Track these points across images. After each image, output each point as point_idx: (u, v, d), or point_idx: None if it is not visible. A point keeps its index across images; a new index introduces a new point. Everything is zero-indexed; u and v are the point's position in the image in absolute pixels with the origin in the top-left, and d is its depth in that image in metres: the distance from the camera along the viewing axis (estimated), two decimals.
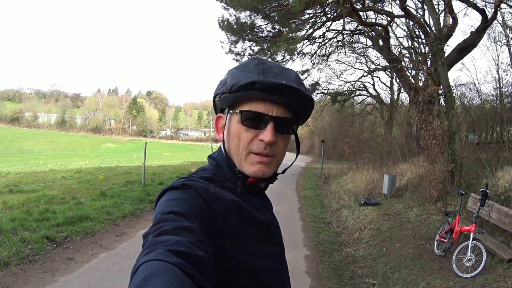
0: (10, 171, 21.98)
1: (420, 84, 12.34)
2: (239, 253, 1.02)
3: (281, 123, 1.10)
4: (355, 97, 32.06)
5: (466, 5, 13.30)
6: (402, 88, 23.01)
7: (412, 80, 15.13)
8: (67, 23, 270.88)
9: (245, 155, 1.11)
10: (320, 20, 17.80)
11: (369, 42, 22.51)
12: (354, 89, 28.92)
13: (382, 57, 21.62)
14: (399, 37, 21.42)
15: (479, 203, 6.48)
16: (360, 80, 28.49)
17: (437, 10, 12.69)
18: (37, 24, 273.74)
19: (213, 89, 1.20)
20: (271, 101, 1.08)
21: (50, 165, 27.26)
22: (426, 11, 13.68)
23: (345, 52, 25.05)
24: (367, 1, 16.94)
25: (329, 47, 22.22)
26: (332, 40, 21.34)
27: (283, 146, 1.15)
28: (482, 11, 13.28)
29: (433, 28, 11.73)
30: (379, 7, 17.15)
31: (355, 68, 28.34)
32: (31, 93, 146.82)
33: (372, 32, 19.06)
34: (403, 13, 14.62)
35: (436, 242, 7.18)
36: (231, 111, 1.12)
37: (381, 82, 43.92)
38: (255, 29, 17.37)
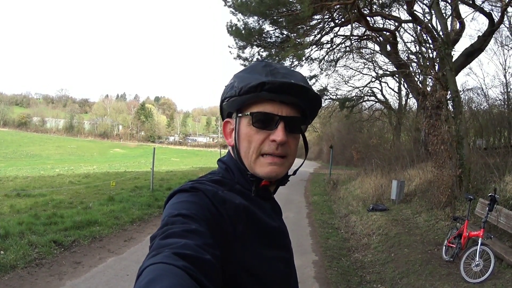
0: (18, 175, 22.13)
1: (428, 89, 12.32)
2: (246, 257, 1.01)
3: (291, 122, 1.11)
4: (363, 103, 32.15)
5: (473, 10, 13.34)
6: (410, 94, 23.13)
7: (420, 85, 15.07)
8: (75, 28, 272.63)
9: (255, 157, 1.11)
10: (328, 25, 17.85)
11: (377, 48, 22.60)
12: (362, 95, 28.97)
13: (390, 62, 21.67)
14: (407, 42, 21.28)
15: (487, 208, 6.44)
16: (368, 85, 28.57)
17: (444, 14, 12.73)
18: (46, 29, 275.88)
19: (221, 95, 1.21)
20: (280, 101, 1.09)
21: (58, 170, 27.46)
22: (434, 16, 13.62)
23: (353, 57, 25.10)
24: (375, 6, 16.99)
25: (337, 53, 22.34)
26: (340, 45, 21.43)
27: (294, 146, 1.15)
28: (489, 15, 13.27)
29: (440, 33, 11.70)
30: (387, 12, 17.18)
31: (363, 74, 28.28)
32: (39, 98, 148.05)
33: (380, 38, 19.11)
34: (410, 18, 14.65)
35: (444, 247, 7.14)
36: (239, 114, 1.12)
37: (389, 87, 43.95)
38: (263, 35, 17.39)
